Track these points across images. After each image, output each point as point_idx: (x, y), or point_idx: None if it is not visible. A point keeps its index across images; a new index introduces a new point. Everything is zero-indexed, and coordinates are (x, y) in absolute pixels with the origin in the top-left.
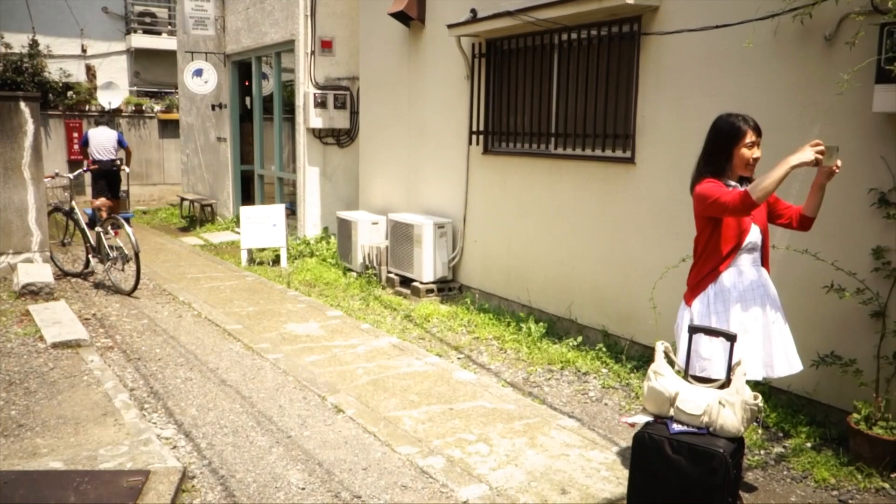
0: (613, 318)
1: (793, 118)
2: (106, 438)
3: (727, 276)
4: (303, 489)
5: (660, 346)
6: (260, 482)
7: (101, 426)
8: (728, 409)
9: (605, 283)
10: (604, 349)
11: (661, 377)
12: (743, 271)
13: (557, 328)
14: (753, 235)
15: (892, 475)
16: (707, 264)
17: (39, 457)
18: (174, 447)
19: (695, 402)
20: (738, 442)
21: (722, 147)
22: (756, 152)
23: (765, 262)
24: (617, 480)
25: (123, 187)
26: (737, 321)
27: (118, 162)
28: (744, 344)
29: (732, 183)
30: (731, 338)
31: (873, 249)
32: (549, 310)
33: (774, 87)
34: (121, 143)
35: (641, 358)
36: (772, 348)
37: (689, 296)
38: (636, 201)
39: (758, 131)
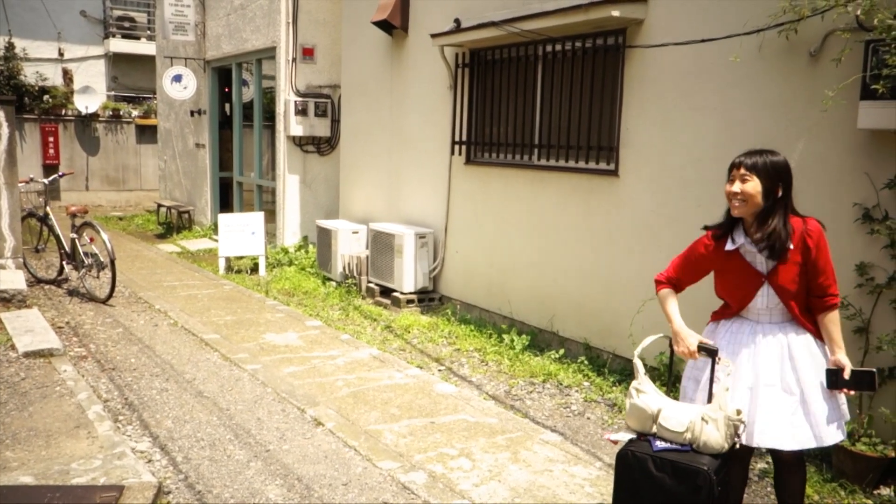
0: (595, 331)
1: (778, 133)
2: (79, 452)
3: (724, 326)
4: None
5: (639, 363)
6: (237, 497)
7: (74, 439)
8: (711, 426)
9: (587, 295)
10: (586, 362)
11: (643, 394)
12: (746, 330)
13: (539, 340)
14: (761, 302)
15: (876, 492)
16: (719, 306)
17: (9, 471)
18: (149, 461)
19: (677, 418)
20: (722, 458)
21: None
22: (734, 186)
23: (803, 321)
24: (601, 496)
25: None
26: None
27: None
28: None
29: (740, 240)
30: (713, 353)
31: (857, 265)
32: (530, 322)
33: (759, 103)
34: None
35: (623, 371)
36: (756, 413)
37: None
38: (619, 214)
39: (740, 164)
